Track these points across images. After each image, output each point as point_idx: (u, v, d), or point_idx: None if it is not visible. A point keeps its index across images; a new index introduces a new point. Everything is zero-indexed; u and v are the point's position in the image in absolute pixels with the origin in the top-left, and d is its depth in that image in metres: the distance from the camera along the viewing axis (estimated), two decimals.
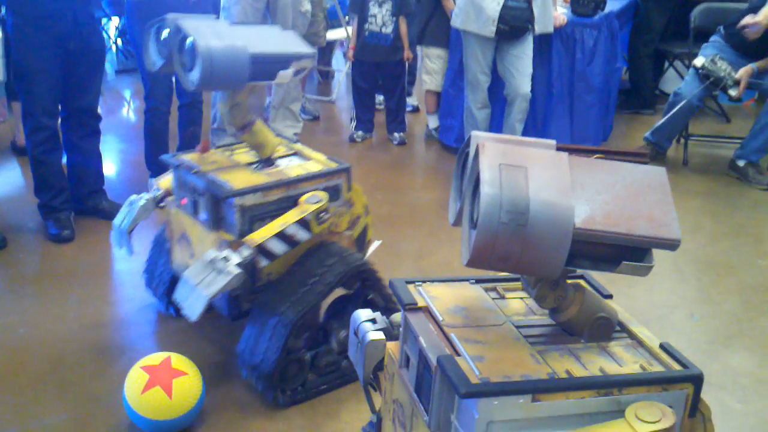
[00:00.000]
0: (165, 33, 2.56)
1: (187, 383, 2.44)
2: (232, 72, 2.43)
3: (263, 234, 2.51)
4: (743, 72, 4.71)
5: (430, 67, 5.45)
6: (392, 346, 1.77)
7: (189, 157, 2.79)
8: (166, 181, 2.92)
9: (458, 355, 1.49)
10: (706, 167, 5.21)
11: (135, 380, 2.42)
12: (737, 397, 2.78)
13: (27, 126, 3.86)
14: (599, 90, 5.09)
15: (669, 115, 4.98)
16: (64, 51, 3.75)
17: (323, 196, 2.66)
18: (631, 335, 1.63)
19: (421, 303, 1.68)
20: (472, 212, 1.49)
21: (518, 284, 1.78)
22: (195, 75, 2.43)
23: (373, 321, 1.81)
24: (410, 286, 1.75)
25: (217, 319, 2.99)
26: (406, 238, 4.01)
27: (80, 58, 3.84)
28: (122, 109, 6.59)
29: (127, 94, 6.88)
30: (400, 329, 1.72)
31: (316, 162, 2.85)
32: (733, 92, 4.74)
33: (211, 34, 2.41)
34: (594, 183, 1.47)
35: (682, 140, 5.26)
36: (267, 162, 2.82)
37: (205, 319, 2.99)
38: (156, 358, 2.48)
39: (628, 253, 1.46)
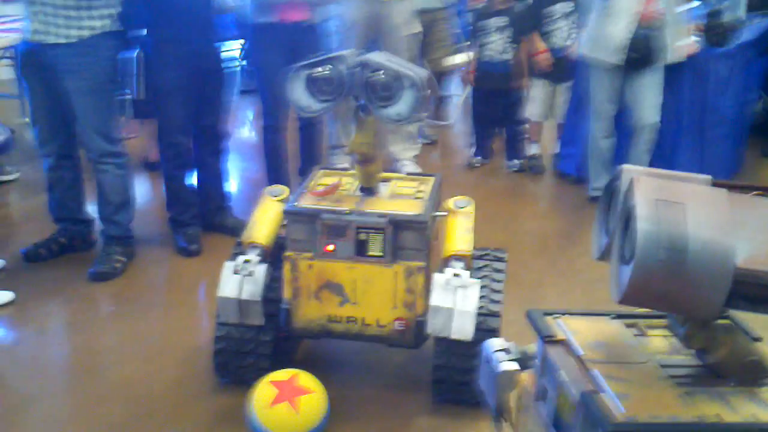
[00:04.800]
0: (324, 70, 2.53)
1: (313, 401, 2.48)
2: None
3: None
4: None
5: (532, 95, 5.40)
6: (525, 378, 1.75)
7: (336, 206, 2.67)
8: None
9: (601, 391, 1.46)
10: None
11: (263, 394, 2.47)
12: None
13: (162, 142, 4.05)
14: (731, 121, 4.91)
15: None
16: (196, 70, 3.91)
17: None
18: None
19: (560, 336, 1.66)
20: (623, 248, 1.45)
21: (661, 321, 1.73)
22: None
23: (507, 351, 1.78)
24: (548, 318, 1.73)
25: (342, 344, 3.04)
26: (525, 266, 3.95)
27: (210, 76, 4.00)
28: (244, 128, 6.80)
29: (249, 114, 7.10)
30: (536, 361, 1.70)
31: None
32: None
33: None
34: (755, 221, 1.42)
35: None
36: (371, 191, 2.78)
37: (326, 341, 3.08)
38: (284, 374, 2.53)
39: None
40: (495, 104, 5.47)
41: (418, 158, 5.35)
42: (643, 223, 1.35)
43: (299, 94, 2.57)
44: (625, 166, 1.53)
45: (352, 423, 2.70)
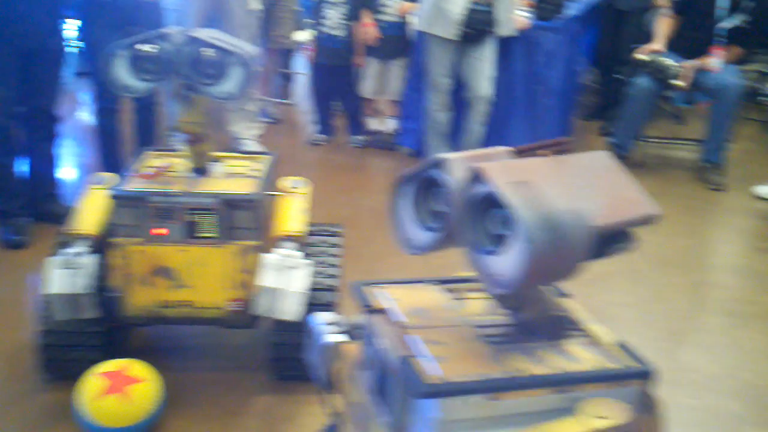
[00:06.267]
0: (150, 48, 2.45)
1: (146, 389, 2.42)
2: None
3: None
4: (687, 64, 4.85)
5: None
6: (351, 349, 1.77)
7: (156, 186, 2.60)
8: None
9: (418, 355, 1.50)
10: (660, 168, 5.30)
11: (93, 386, 2.39)
12: (688, 392, 2.84)
13: None
14: (560, 92, 5.16)
15: (626, 110, 5.07)
16: (21, 50, 3.68)
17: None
18: (588, 334, 1.65)
19: (381, 305, 1.69)
20: (481, 239, 1.46)
21: (479, 284, 1.79)
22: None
23: (335, 323, 1.81)
24: (372, 288, 1.76)
25: (178, 329, 3.00)
26: (366, 240, 4.01)
27: (38, 58, 3.78)
28: (79, 111, 6.48)
29: (84, 96, 6.77)
30: (360, 332, 1.73)
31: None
32: (679, 83, 4.85)
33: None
34: (574, 180, 1.49)
35: (638, 141, 5.34)
36: (203, 171, 2.72)
37: (162, 328, 3.02)
38: (114, 364, 2.45)
39: (612, 237, 1.50)
40: (333, 80, 5.49)
41: (261, 137, 5.30)
42: (520, 211, 1.35)
43: (122, 74, 2.46)
44: (443, 156, 1.53)
45: (191, 408, 2.66)
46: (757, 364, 3.05)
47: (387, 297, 1.73)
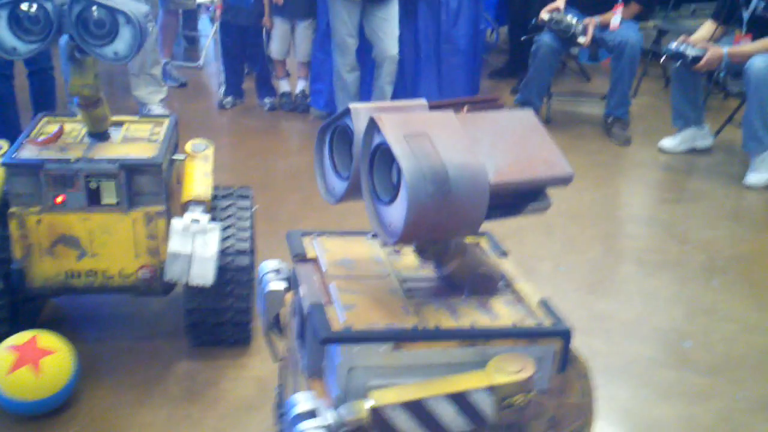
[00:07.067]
0: (29, 8, 2.27)
1: (57, 360, 2.33)
2: None
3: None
4: (588, 20, 4.94)
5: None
6: (291, 296, 1.77)
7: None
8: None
9: (331, 303, 1.50)
10: (568, 124, 5.40)
11: (1, 361, 2.27)
12: (602, 339, 2.92)
13: None
14: (465, 52, 5.17)
15: (532, 67, 5.14)
16: None
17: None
18: (514, 291, 1.65)
19: (311, 254, 1.69)
20: (376, 189, 1.46)
21: None
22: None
23: (278, 271, 1.80)
24: (306, 238, 1.76)
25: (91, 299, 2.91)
26: (281, 203, 3.96)
27: None
28: None
29: None
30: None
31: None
32: (581, 39, 4.94)
33: None
34: (484, 136, 1.49)
35: (546, 98, 5.43)
36: (101, 136, 2.61)
37: (74, 298, 2.91)
38: (23, 336, 2.34)
39: (527, 196, 1.51)
40: (242, 41, 5.37)
41: (167, 102, 5.14)
42: (404, 161, 1.34)
43: (2, 35, 2.29)
44: (351, 105, 1.52)
45: (108, 378, 2.57)
46: (667, 310, 3.16)
47: (318, 247, 1.73)
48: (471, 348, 1.46)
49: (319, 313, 1.45)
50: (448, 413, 1.41)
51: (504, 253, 1.78)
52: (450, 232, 1.46)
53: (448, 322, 1.49)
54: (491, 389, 1.41)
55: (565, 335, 1.51)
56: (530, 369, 1.43)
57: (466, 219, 1.40)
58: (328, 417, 1.36)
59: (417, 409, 1.39)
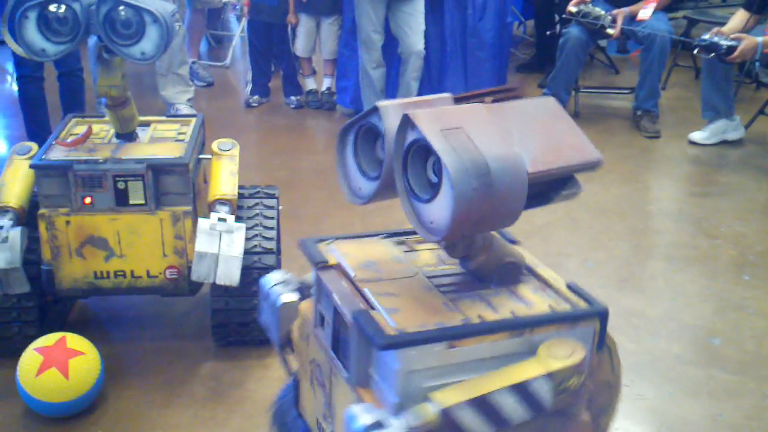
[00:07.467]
0: (57, 9, 2.29)
1: (84, 363, 2.34)
2: None
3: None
4: (617, 11, 4.87)
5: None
6: (305, 307, 1.74)
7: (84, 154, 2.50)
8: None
9: (373, 309, 1.48)
10: (596, 118, 5.35)
11: (28, 363, 2.29)
12: (630, 336, 2.88)
13: None
14: (492, 46, 5.14)
15: (559, 60, 5.08)
16: None
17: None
18: (539, 278, 1.65)
19: (332, 261, 1.66)
20: (413, 187, 1.44)
21: None
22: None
23: (285, 283, 1.77)
24: (321, 245, 1.72)
25: (117, 299, 2.92)
26: (306, 202, 3.96)
27: None
28: (4, 80, 6.24)
29: (8, 65, 6.51)
30: (313, 289, 1.69)
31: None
32: (610, 30, 4.87)
33: None
34: (512, 126, 1.47)
35: (573, 92, 5.38)
36: (129, 137, 2.63)
37: (101, 299, 2.93)
38: (50, 339, 2.36)
39: (557, 184, 1.50)
40: (268, 38, 5.38)
41: (194, 101, 5.17)
42: (446, 157, 1.33)
43: (31, 37, 2.30)
44: (379, 104, 1.50)
45: (134, 378, 2.59)
46: (695, 306, 3.11)
47: (336, 252, 1.69)
48: (516, 338, 1.46)
49: (367, 319, 1.42)
50: (509, 404, 1.41)
51: (514, 241, 1.76)
52: (492, 225, 1.45)
53: (490, 314, 1.49)
54: (549, 376, 1.41)
55: (602, 315, 1.53)
56: (581, 352, 1.44)
57: (507, 211, 1.39)
58: (396, 426, 1.34)
59: (482, 404, 1.39)
